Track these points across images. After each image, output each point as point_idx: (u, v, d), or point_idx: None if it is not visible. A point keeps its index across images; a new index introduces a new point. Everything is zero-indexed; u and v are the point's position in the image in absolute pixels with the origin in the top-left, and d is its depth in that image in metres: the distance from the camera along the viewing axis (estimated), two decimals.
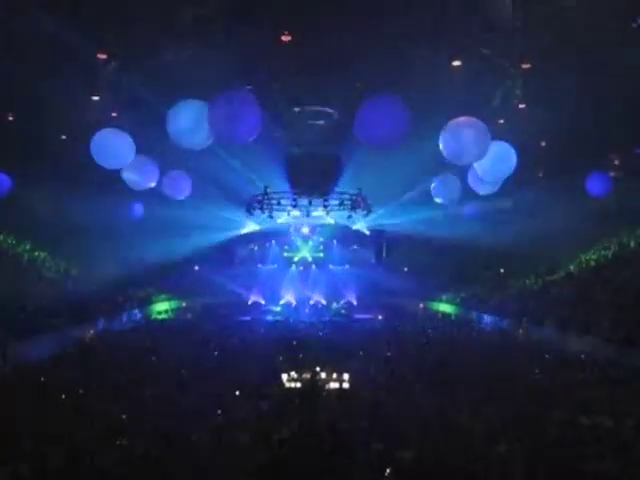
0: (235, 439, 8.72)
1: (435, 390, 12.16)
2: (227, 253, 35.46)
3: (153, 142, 16.17)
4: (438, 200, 18.68)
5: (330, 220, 29.22)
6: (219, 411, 10.39)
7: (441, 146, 13.59)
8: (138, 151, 15.18)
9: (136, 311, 28.17)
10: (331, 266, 36.58)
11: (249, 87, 14.91)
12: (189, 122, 12.90)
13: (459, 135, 13.33)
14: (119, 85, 16.06)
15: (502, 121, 18.22)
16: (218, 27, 13.12)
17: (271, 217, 24.76)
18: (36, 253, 27.17)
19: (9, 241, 25.91)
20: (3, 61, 14.28)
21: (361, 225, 32.08)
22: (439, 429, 9.12)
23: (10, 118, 19.15)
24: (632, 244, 25.47)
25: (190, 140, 13.36)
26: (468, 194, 18.17)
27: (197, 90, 13.38)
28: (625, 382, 13.08)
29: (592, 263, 26.88)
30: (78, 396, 11.66)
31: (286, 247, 37.04)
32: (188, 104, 13.05)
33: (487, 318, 27.16)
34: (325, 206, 23.85)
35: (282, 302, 34.68)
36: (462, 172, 16.64)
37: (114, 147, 14.59)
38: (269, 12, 12.70)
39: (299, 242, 36.71)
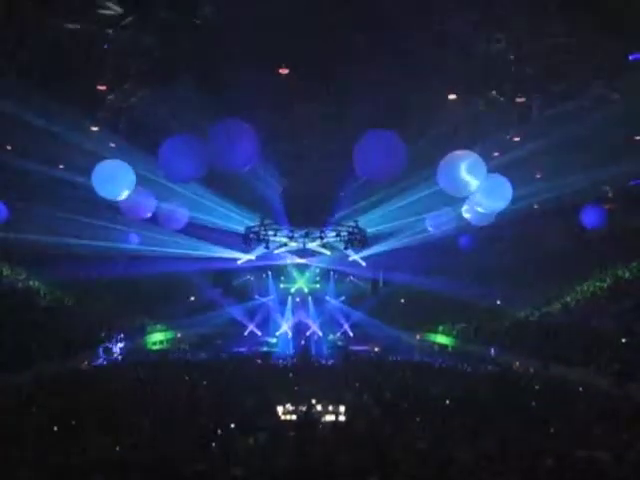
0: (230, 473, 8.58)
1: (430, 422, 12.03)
2: (223, 284, 35.33)
3: (150, 173, 16.25)
4: (432, 231, 18.78)
5: (326, 252, 29.22)
6: (213, 444, 10.23)
7: (438, 178, 13.71)
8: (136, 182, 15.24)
9: (130, 342, 27.90)
10: (327, 297, 36.47)
11: (245, 118, 15.04)
12: (179, 157, 12.96)
13: (455, 167, 13.45)
14: (118, 116, 16.17)
15: (497, 154, 18.40)
16: (217, 60, 13.29)
17: (268, 248, 24.75)
18: (31, 282, 27.04)
19: (4, 270, 25.79)
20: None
21: (357, 257, 32.03)
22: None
23: (8, 147, 19.25)
24: (627, 275, 25.52)
25: (181, 174, 13.41)
26: (463, 225, 18.25)
27: (194, 122, 13.51)
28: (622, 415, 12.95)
29: (588, 295, 26.87)
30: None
31: (282, 278, 36.98)
32: (179, 139, 13.11)
33: (482, 350, 27.02)
34: (321, 238, 23.85)
35: (278, 333, 34.47)
36: (458, 203, 16.75)
37: (115, 178, 14.65)
38: (266, 46, 12.89)
39: (295, 273, 36.66)
